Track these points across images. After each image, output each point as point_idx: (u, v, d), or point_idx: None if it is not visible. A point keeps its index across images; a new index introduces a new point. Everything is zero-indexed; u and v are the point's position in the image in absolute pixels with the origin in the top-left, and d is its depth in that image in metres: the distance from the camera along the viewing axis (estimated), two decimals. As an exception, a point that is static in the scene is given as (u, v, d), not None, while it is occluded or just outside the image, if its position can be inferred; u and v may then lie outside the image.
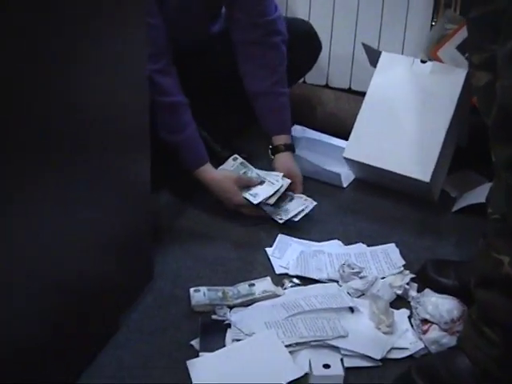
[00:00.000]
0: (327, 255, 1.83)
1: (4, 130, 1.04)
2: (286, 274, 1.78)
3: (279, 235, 1.93)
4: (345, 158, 2.13)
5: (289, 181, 1.94)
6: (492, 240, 1.35)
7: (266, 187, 1.91)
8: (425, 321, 1.55)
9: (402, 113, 2.08)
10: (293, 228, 1.96)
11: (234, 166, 1.99)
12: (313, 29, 2.25)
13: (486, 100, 1.48)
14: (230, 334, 1.53)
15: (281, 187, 1.92)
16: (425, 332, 1.54)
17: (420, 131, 2.05)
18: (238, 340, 1.51)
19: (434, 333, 1.53)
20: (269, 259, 1.83)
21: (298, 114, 2.37)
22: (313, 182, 2.18)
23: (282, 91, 2.06)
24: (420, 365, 1.45)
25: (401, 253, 1.87)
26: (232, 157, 2.01)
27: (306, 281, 1.75)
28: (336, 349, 1.51)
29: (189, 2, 1.96)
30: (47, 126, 1.14)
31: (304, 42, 2.20)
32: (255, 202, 1.88)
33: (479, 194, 2.02)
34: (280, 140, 2.05)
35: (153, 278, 1.70)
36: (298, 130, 2.29)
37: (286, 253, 1.85)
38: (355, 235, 1.96)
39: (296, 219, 1.95)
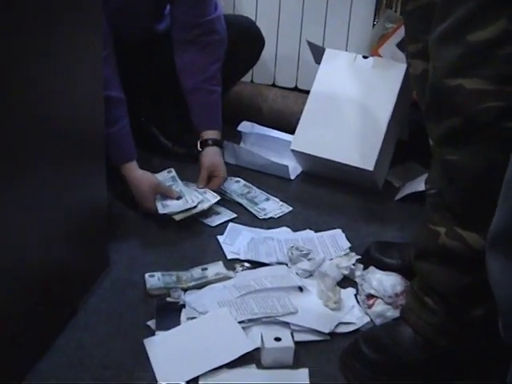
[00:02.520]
0: (276, 241, 1.91)
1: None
2: (237, 259, 1.85)
3: (230, 224, 2.00)
4: (292, 151, 2.21)
5: (206, 206, 1.96)
6: (429, 213, 1.44)
7: (180, 202, 1.94)
8: (370, 296, 1.64)
9: (346, 106, 2.17)
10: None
11: (165, 177, 2.04)
12: (255, 25, 2.34)
13: (422, 87, 1.57)
14: (184, 314, 1.59)
15: (193, 208, 1.92)
16: (370, 306, 1.62)
17: (363, 123, 2.14)
18: (193, 318, 1.57)
19: (378, 306, 1.61)
20: (220, 246, 1.90)
21: (246, 112, 2.47)
22: (262, 175, 2.27)
23: (211, 89, 2.12)
24: (366, 335, 1.53)
25: (347, 237, 1.95)
26: (167, 169, 2.06)
27: (256, 265, 1.82)
28: (286, 324, 1.59)
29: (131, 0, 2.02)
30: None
31: (247, 38, 2.28)
32: (160, 211, 1.90)
33: (421, 183, 2.11)
34: (208, 135, 2.11)
35: (108, 265, 1.76)
36: (246, 126, 2.37)
37: (236, 240, 1.92)
38: (303, 223, 2.04)
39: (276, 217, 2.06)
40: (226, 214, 2.04)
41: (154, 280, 1.71)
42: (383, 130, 2.11)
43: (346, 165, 2.12)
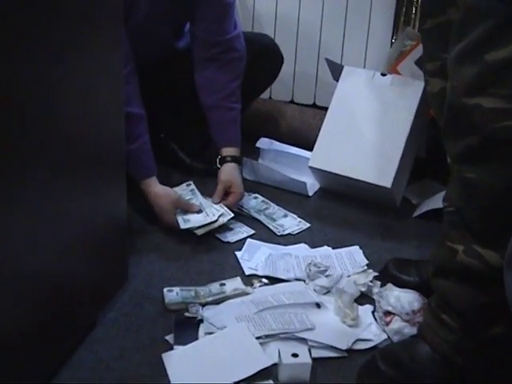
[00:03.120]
0: (294, 257, 1.91)
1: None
2: (255, 275, 1.85)
3: (248, 240, 2.01)
4: (310, 167, 2.22)
5: (226, 219, 1.97)
6: (447, 231, 1.44)
7: (200, 217, 1.95)
8: (387, 313, 1.64)
9: (364, 123, 2.18)
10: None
11: (184, 190, 2.06)
12: (274, 42, 2.36)
13: (440, 105, 1.58)
14: (202, 329, 1.60)
15: (214, 222, 1.94)
16: (387, 323, 1.63)
17: (381, 140, 2.15)
18: (211, 333, 1.58)
19: (396, 324, 1.61)
20: (238, 262, 1.91)
21: (264, 128, 2.49)
22: (280, 191, 2.29)
23: (231, 106, 2.14)
24: (383, 352, 1.53)
25: (364, 254, 1.96)
26: (186, 182, 2.08)
27: (274, 281, 1.83)
28: (303, 340, 1.59)
29: (153, 17, 2.04)
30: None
31: (266, 55, 2.30)
32: (182, 226, 1.92)
33: (439, 200, 2.12)
34: (227, 152, 2.13)
35: (127, 279, 1.77)
36: (265, 143, 2.38)
37: (254, 255, 1.93)
38: (321, 239, 2.05)
39: (294, 233, 2.07)
40: (244, 231, 2.05)
41: (173, 295, 1.72)
42: (401, 147, 2.12)
43: (363, 182, 2.13)
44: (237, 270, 1.88)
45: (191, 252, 1.93)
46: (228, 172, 2.08)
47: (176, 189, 2.04)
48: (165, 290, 1.74)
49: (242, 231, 2.05)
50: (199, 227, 1.93)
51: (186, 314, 1.67)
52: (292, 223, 2.11)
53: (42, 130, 1.25)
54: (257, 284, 1.81)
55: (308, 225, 2.12)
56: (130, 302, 1.72)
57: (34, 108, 1.21)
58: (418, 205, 2.25)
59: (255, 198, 2.21)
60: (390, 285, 1.70)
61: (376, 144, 2.15)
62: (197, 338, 1.59)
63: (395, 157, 2.11)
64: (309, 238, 2.05)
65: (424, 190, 2.33)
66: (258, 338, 1.57)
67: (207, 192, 2.12)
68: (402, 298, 1.63)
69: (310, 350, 1.55)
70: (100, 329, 1.62)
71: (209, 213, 1.96)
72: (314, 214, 2.19)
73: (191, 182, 2.07)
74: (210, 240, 1.99)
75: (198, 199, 2.01)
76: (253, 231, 2.06)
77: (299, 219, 2.14)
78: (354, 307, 1.66)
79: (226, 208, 2.01)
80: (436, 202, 2.13)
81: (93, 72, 1.39)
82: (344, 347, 1.58)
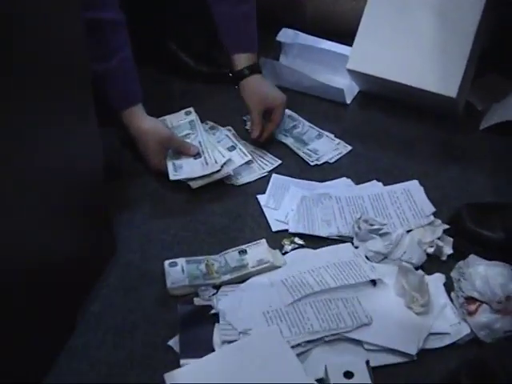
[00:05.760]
0: (335, 200, 1.46)
1: None
2: (285, 231, 1.39)
3: (273, 176, 1.54)
4: (348, 70, 1.71)
5: (228, 172, 1.49)
6: None
7: (197, 165, 1.48)
8: (471, 299, 1.19)
9: (420, 11, 1.65)
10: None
11: (181, 120, 1.56)
12: None
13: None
14: (218, 331, 1.16)
15: (212, 174, 1.46)
16: (471, 313, 1.19)
17: (442, 34, 1.64)
18: (230, 342, 1.14)
19: (483, 315, 1.18)
20: (262, 211, 1.45)
21: (285, 15, 1.94)
22: (308, 99, 1.79)
23: None
24: (470, 365, 1.09)
25: (425, 190, 1.48)
26: (186, 109, 1.58)
27: (310, 239, 1.37)
28: (358, 343, 1.16)
29: None
30: None
31: None
32: (171, 177, 1.45)
33: (509, 107, 1.69)
34: (241, 61, 1.60)
35: (115, 250, 1.32)
36: (288, 35, 1.87)
37: (283, 201, 1.47)
38: (367, 169, 1.59)
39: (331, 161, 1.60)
40: (268, 161, 1.58)
41: (177, 272, 1.28)
42: (469, 44, 1.61)
43: (420, 90, 1.63)
44: (260, 223, 1.43)
45: (197, 202, 1.47)
46: (252, 91, 1.58)
47: (170, 118, 1.55)
48: (166, 263, 1.30)
49: (264, 163, 1.57)
50: (195, 178, 1.45)
51: (196, 302, 1.23)
52: (328, 146, 1.63)
53: None
54: (288, 247, 1.36)
55: (349, 147, 1.64)
56: (120, 286, 1.28)
57: None
58: (485, 112, 1.75)
59: (279, 111, 1.71)
60: (472, 257, 1.25)
61: (435, 40, 1.64)
62: (211, 347, 1.15)
63: (461, 57, 1.61)
64: (351, 168, 1.59)
65: (490, 89, 1.82)
66: (295, 346, 1.12)
67: (221, 115, 1.64)
68: (491, 280, 1.18)
69: (368, 363, 1.11)
70: (80, 331, 1.19)
71: (209, 159, 1.47)
72: (355, 131, 1.71)
73: (191, 110, 1.58)
74: (222, 182, 1.52)
75: (198, 135, 1.52)
76: (278, 161, 1.58)
77: (337, 140, 1.66)
78: (425, 289, 1.21)
79: (243, 149, 1.52)
80: (507, 109, 1.68)
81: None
82: (414, 351, 1.15)
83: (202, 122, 1.58)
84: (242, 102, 1.59)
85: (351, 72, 1.72)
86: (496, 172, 1.59)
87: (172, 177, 1.44)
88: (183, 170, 1.45)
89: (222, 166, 1.46)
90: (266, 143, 1.62)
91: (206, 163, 1.46)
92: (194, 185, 1.45)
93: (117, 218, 1.38)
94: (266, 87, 1.60)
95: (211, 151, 1.48)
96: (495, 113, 1.73)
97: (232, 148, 1.53)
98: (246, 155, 1.51)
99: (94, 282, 1.26)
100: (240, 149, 1.53)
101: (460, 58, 1.61)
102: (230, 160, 1.48)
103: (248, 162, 1.53)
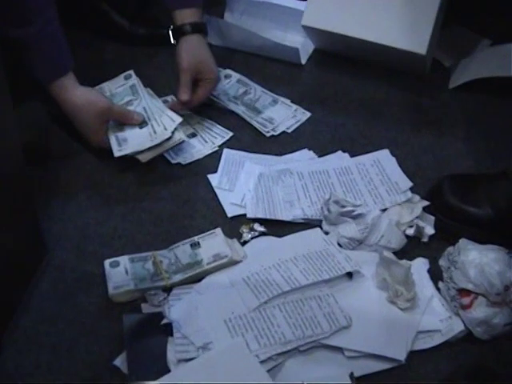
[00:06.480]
0: (297, 176, 1.29)
1: None
2: (243, 216, 1.21)
3: (224, 150, 1.35)
4: (303, 27, 1.52)
5: (181, 138, 1.28)
6: None
7: (144, 135, 1.26)
8: (464, 291, 1.02)
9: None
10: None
11: (121, 86, 1.35)
12: None
13: None
14: (172, 348, 0.97)
15: (167, 140, 1.26)
16: (465, 307, 1.02)
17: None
18: (187, 360, 0.95)
19: (480, 309, 1.02)
20: (214, 193, 1.26)
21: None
22: (258, 61, 1.59)
23: None
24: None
25: (396, 161, 1.31)
26: (125, 73, 1.37)
27: (272, 225, 1.19)
28: (338, 350, 0.99)
29: None
30: None
31: None
32: (115, 153, 1.25)
33: (479, 63, 1.53)
34: (184, 17, 1.39)
35: (46, 252, 1.11)
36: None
37: (237, 180, 1.29)
38: (330, 138, 1.41)
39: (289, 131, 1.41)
40: (217, 134, 1.39)
41: (120, 273, 1.09)
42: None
43: (385, 47, 1.45)
44: (213, 209, 1.25)
45: (139, 186, 1.27)
46: (191, 51, 1.38)
47: (108, 85, 1.34)
48: (106, 263, 1.11)
49: (212, 136, 1.38)
50: (143, 151, 1.24)
51: (144, 309, 1.04)
52: (285, 114, 1.45)
53: None
54: (247, 235, 1.18)
55: (308, 114, 1.46)
56: (53, 292, 1.09)
57: None
58: (452, 68, 1.59)
59: (227, 76, 1.52)
60: (463, 241, 1.08)
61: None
62: (165, 365, 0.95)
63: (430, 10, 1.44)
64: (312, 138, 1.41)
65: (456, 43, 1.66)
66: (264, 360, 0.94)
67: (161, 81, 1.44)
68: (487, 268, 1.02)
69: (352, 376, 0.94)
70: (7, 357, 0.99)
71: (157, 126, 1.26)
72: (314, 95, 1.52)
73: (132, 73, 1.37)
74: (165, 161, 1.32)
75: (142, 101, 1.31)
76: (229, 133, 1.39)
77: (294, 106, 1.46)
78: (411, 282, 1.04)
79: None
80: (477, 66, 1.52)
81: None
82: (402, 356, 0.98)
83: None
84: (175, 60, 1.38)
85: (307, 29, 1.53)
86: (471, 136, 1.43)
87: (117, 153, 1.24)
88: (128, 143, 1.25)
89: (172, 133, 1.25)
90: (214, 113, 1.41)
91: (155, 132, 1.25)
92: (144, 158, 1.25)
93: (46, 211, 1.17)
94: (205, 54, 1.40)
95: (159, 117, 1.28)
96: (464, 70, 1.56)
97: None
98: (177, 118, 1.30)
99: (21, 291, 1.05)
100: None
101: (429, 10, 1.43)
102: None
103: (191, 135, 1.33)
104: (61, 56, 1.24)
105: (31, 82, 1.22)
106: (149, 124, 1.27)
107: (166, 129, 1.25)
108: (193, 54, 1.37)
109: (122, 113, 1.28)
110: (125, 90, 1.34)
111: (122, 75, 1.36)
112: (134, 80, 1.35)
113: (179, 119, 1.28)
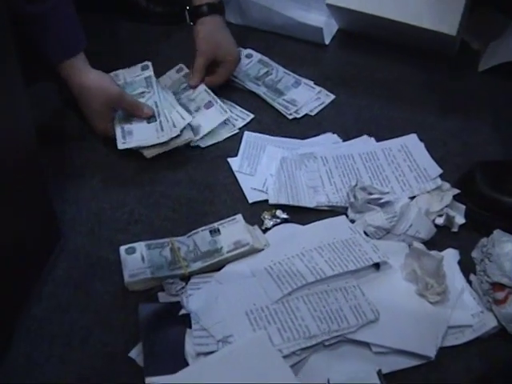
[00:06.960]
0: (321, 161, 1.23)
1: None
2: (265, 202, 1.16)
3: (245, 133, 1.30)
4: (328, 5, 1.46)
5: (190, 138, 1.24)
6: None
7: (151, 131, 1.22)
8: (498, 285, 0.97)
9: None
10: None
11: (137, 76, 1.30)
12: None
13: None
14: (190, 341, 0.92)
15: (170, 140, 1.21)
16: (499, 302, 0.97)
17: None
18: (207, 353, 0.91)
19: (515, 305, 0.95)
20: (235, 178, 1.20)
21: None
22: (280, 40, 1.53)
23: None
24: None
25: (424, 145, 1.26)
26: (143, 64, 1.32)
27: (295, 211, 1.14)
28: (365, 345, 0.94)
29: None
30: None
31: None
32: (119, 146, 1.20)
33: (509, 46, 1.45)
34: None
35: (60, 236, 1.07)
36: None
37: (259, 165, 1.24)
38: (354, 121, 1.36)
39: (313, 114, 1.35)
40: (238, 116, 1.33)
41: (136, 260, 1.04)
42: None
43: (414, 27, 1.39)
44: (234, 194, 1.20)
45: (157, 170, 1.22)
46: (207, 34, 1.32)
47: (124, 73, 1.29)
48: (122, 249, 1.06)
49: (233, 118, 1.33)
50: (148, 147, 1.20)
51: (161, 298, 0.99)
52: (308, 96, 1.39)
53: None
54: (269, 222, 1.12)
55: (332, 96, 1.40)
56: (67, 280, 1.05)
57: None
58: (481, 51, 1.53)
59: (248, 56, 1.47)
60: (498, 233, 1.03)
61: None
62: (182, 361, 0.91)
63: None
64: (336, 121, 1.35)
65: (485, 25, 1.58)
66: (288, 355, 0.90)
67: (177, 60, 1.41)
68: (524, 261, 0.96)
69: (380, 373, 0.89)
70: (18, 346, 0.94)
71: (165, 123, 1.21)
72: (338, 76, 1.46)
73: (149, 64, 1.31)
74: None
75: (154, 95, 1.26)
76: (250, 115, 1.33)
77: (318, 88, 1.41)
78: (443, 275, 0.99)
79: (223, 105, 1.29)
80: (507, 49, 1.45)
81: None
82: (432, 353, 0.93)
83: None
84: (192, 44, 1.33)
85: (331, 7, 1.48)
86: (499, 121, 1.37)
87: (120, 145, 1.19)
88: (133, 136, 1.20)
89: (181, 131, 1.21)
90: (234, 94, 1.36)
91: (162, 129, 1.20)
92: (148, 154, 1.21)
93: (60, 195, 1.13)
94: (222, 36, 1.34)
95: (168, 113, 1.23)
96: (494, 53, 1.50)
97: (210, 104, 1.28)
98: (225, 112, 1.27)
99: (34, 278, 1.01)
100: (221, 105, 1.30)
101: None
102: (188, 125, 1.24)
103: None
104: (73, 36, 1.19)
105: (44, 64, 1.17)
106: (157, 120, 1.22)
107: (174, 126, 1.21)
108: (209, 38, 1.32)
109: (133, 103, 1.23)
110: (140, 80, 1.29)
111: (140, 65, 1.32)
112: (151, 71, 1.30)
113: (190, 118, 1.23)
